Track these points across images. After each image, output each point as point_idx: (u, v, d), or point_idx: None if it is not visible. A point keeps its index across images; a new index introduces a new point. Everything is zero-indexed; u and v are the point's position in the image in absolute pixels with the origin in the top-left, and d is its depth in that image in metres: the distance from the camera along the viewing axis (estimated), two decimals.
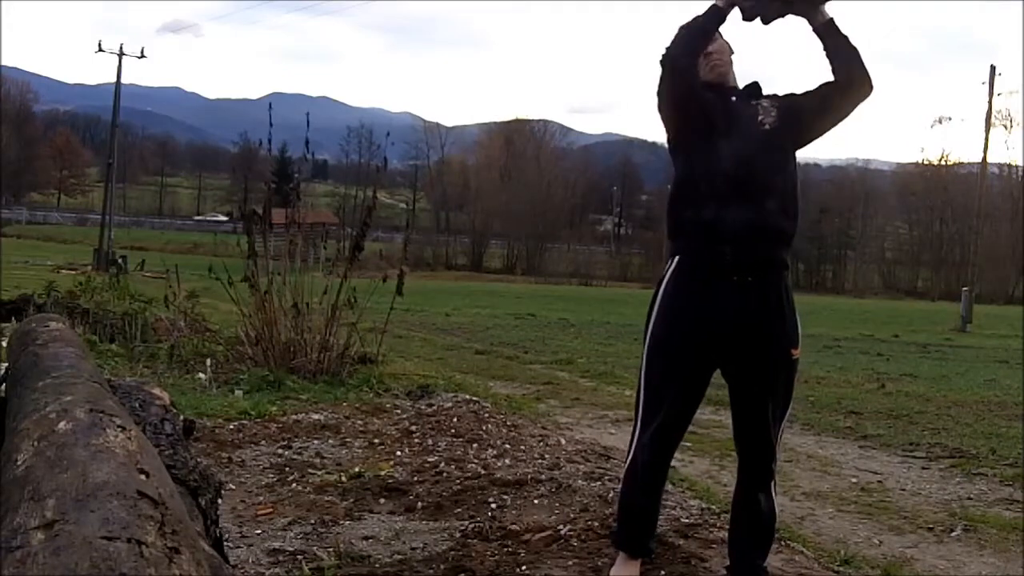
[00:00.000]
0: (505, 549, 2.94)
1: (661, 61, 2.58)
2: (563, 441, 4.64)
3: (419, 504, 3.45)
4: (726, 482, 4.17)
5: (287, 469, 3.92)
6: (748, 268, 2.48)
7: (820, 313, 23.66)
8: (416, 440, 4.50)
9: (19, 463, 1.33)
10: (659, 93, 2.61)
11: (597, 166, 78.57)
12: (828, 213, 61.38)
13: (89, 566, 0.98)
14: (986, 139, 28.42)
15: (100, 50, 35.23)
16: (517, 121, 74.25)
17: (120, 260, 19.86)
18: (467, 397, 5.74)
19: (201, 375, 6.10)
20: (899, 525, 3.80)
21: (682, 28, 2.57)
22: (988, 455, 5.27)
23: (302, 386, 5.90)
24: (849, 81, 2.52)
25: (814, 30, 2.54)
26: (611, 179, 75.39)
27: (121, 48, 35.35)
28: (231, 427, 4.63)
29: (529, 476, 3.73)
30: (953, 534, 3.69)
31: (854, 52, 2.51)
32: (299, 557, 2.83)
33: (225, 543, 2.35)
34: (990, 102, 27.87)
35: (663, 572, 2.75)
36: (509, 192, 64.14)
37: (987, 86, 27.64)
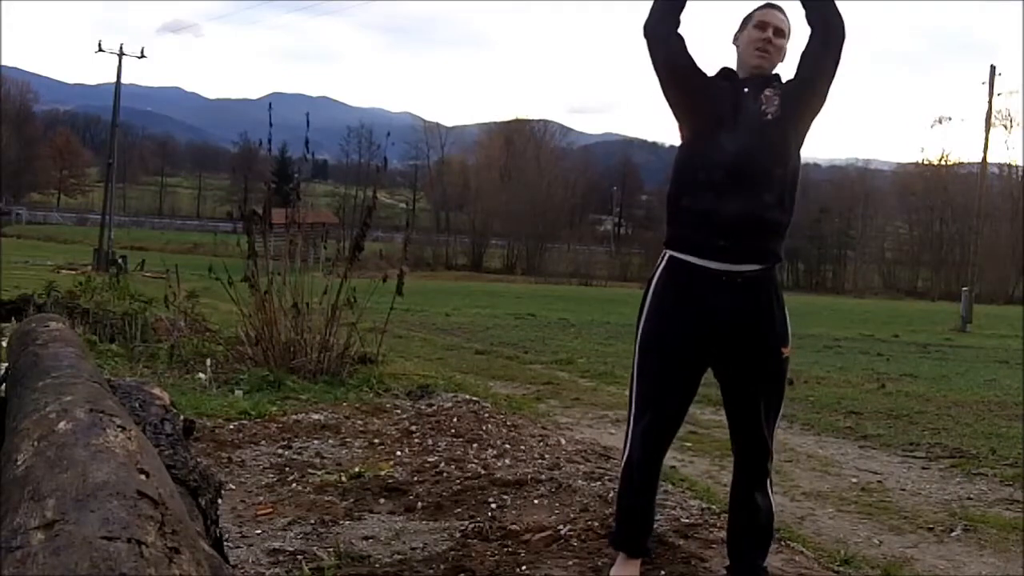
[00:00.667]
0: (505, 549, 2.94)
1: (643, 27, 2.63)
2: (563, 441, 4.64)
3: (419, 504, 3.45)
4: (726, 482, 4.16)
5: (287, 469, 3.92)
6: (740, 260, 2.47)
7: (820, 313, 23.69)
8: (416, 440, 4.50)
9: (19, 463, 1.33)
10: (654, 68, 2.63)
11: (597, 166, 78.55)
12: (828, 213, 61.36)
13: (89, 566, 0.98)
14: (986, 139, 28.45)
15: (100, 50, 35.24)
16: (517, 121, 74.29)
17: (120, 260, 19.84)
18: (467, 397, 5.74)
19: (201, 375, 6.10)
20: (899, 525, 3.80)
21: None
22: (988, 455, 5.27)
23: (302, 386, 5.90)
24: (825, 25, 2.53)
25: None
26: (611, 179, 75.38)
27: (121, 48, 35.37)
28: (231, 427, 4.63)
29: (529, 476, 3.73)
30: (953, 534, 3.69)
31: (834, 3, 2.53)
32: (299, 557, 2.83)
33: (225, 543, 2.35)
34: (990, 102, 27.89)
35: (663, 572, 2.75)
36: (509, 192, 64.12)
37: (987, 86, 27.66)
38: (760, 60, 2.57)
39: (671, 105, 2.64)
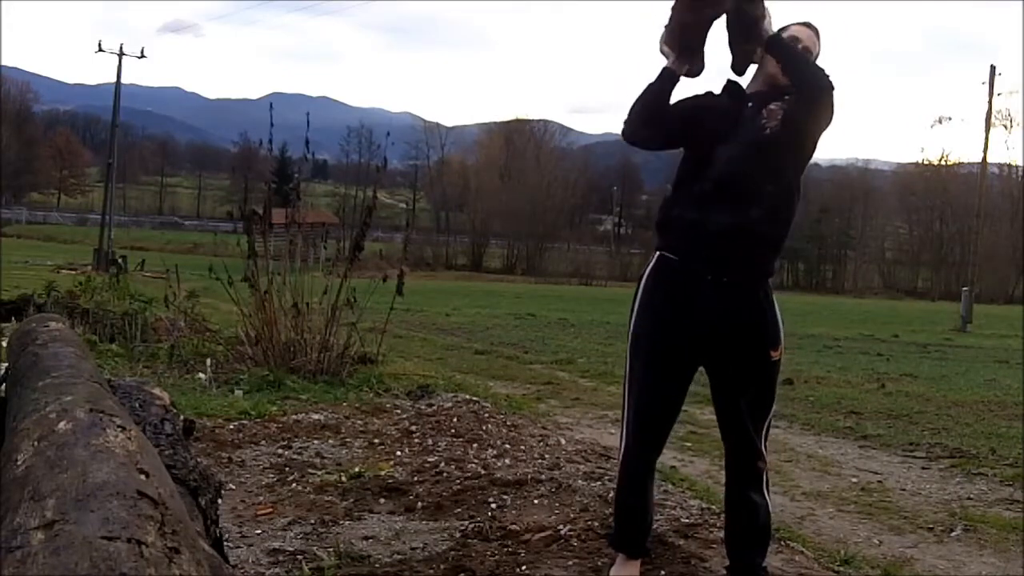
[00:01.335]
0: (505, 549, 2.94)
1: (623, 135, 2.65)
2: (563, 441, 4.64)
3: (419, 504, 3.45)
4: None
5: (287, 469, 3.92)
6: (726, 272, 2.49)
7: (820, 313, 23.70)
8: (416, 440, 4.50)
9: (19, 463, 1.33)
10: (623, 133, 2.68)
11: (597, 166, 78.47)
12: (828, 213, 61.34)
13: (89, 566, 0.98)
14: (986, 139, 28.44)
15: (100, 50, 35.23)
16: (517, 121, 74.18)
17: (120, 260, 19.84)
18: (467, 397, 5.74)
19: (201, 375, 6.10)
20: (899, 525, 3.80)
21: (637, 99, 2.59)
22: (988, 455, 5.27)
23: (302, 386, 5.90)
24: (805, 91, 2.49)
25: (767, 50, 2.54)
26: (611, 179, 75.32)
27: (121, 48, 35.36)
28: (231, 427, 4.63)
29: (529, 476, 3.73)
30: (953, 534, 3.69)
31: (799, 62, 2.50)
32: (299, 557, 2.83)
33: (225, 543, 2.35)
34: (990, 102, 27.88)
35: (663, 572, 2.76)
36: (509, 192, 64.09)
37: (987, 86, 27.66)
38: (778, 70, 2.57)
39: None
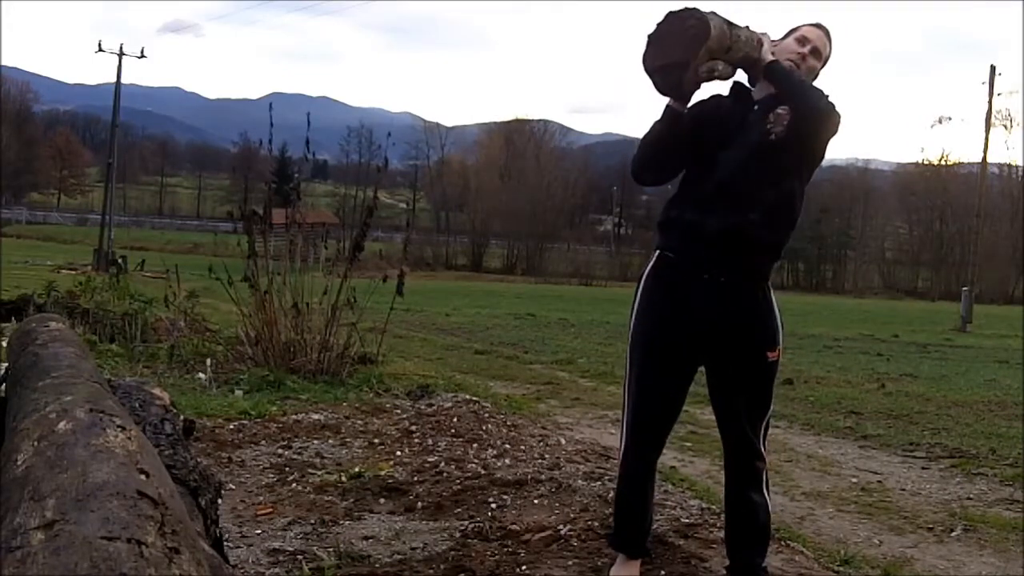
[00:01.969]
0: (505, 549, 2.94)
1: (631, 173, 2.69)
2: (563, 441, 4.64)
3: (419, 504, 3.45)
4: None
5: (287, 469, 3.92)
6: (722, 273, 2.49)
7: (820, 313, 23.70)
8: (416, 440, 4.50)
9: (19, 463, 1.33)
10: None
11: (597, 166, 78.49)
12: (828, 213, 61.28)
13: (89, 566, 0.98)
14: (986, 139, 28.42)
15: (100, 50, 35.23)
16: (517, 121, 74.11)
17: (120, 260, 19.84)
18: (467, 397, 5.74)
19: (201, 375, 6.10)
20: (899, 525, 3.80)
21: (643, 140, 2.59)
22: (988, 455, 5.27)
23: (302, 386, 5.90)
24: (805, 118, 2.48)
25: (764, 77, 2.53)
26: (611, 179, 75.27)
27: (121, 48, 35.35)
28: (231, 427, 4.63)
29: (529, 476, 3.73)
30: (953, 534, 3.69)
31: (798, 90, 2.49)
32: (299, 557, 2.83)
33: (225, 543, 2.35)
34: (990, 102, 27.87)
35: (663, 572, 2.76)
36: (509, 192, 64.07)
37: (987, 86, 27.65)
38: (804, 63, 2.57)
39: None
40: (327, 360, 6.34)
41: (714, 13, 2.42)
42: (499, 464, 4.00)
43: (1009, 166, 58.33)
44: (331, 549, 2.90)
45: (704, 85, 2.54)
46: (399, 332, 11.28)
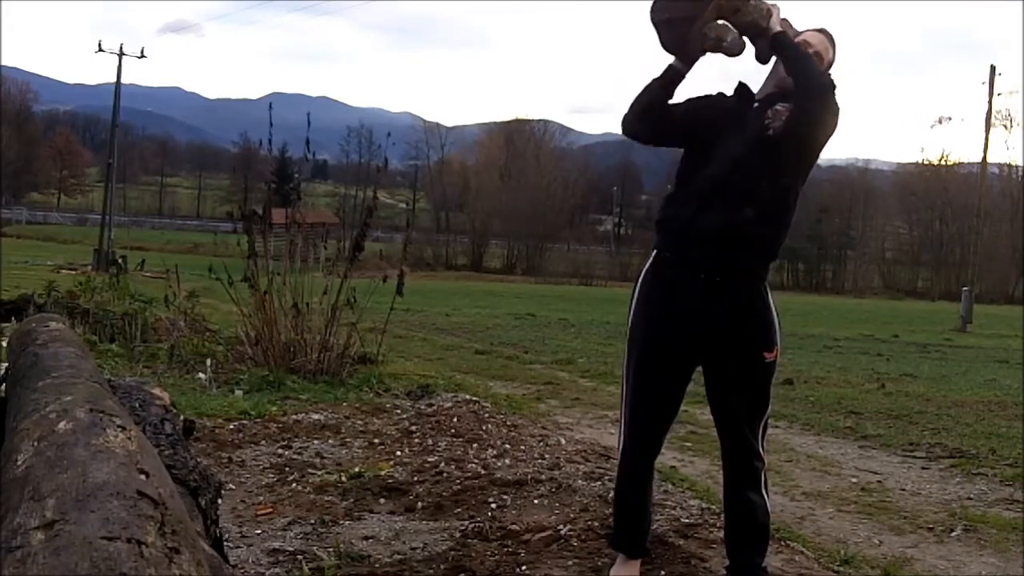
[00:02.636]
0: (505, 549, 2.94)
1: (621, 125, 2.64)
2: (563, 441, 4.64)
3: (419, 504, 3.45)
4: None
5: (287, 469, 3.92)
6: (716, 270, 2.49)
7: (820, 313, 23.71)
8: (416, 440, 4.50)
9: (19, 463, 1.33)
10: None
11: (597, 166, 78.45)
12: (828, 213, 61.32)
13: (89, 566, 0.98)
14: (986, 139, 28.46)
15: (100, 50, 35.23)
16: (517, 121, 74.08)
17: (120, 260, 19.83)
18: (467, 397, 5.74)
19: (201, 375, 6.10)
20: (899, 525, 3.80)
21: (640, 92, 2.59)
22: (988, 455, 5.27)
23: (302, 386, 5.91)
24: (807, 92, 2.47)
25: (771, 47, 2.52)
26: (611, 179, 75.31)
27: (121, 48, 35.35)
28: (231, 427, 4.63)
29: (529, 476, 3.73)
30: (953, 534, 3.69)
31: (801, 59, 2.48)
32: (299, 557, 2.83)
33: (225, 543, 2.35)
34: (990, 102, 27.89)
35: (663, 572, 2.76)
36: (509, 192, 64.05)
37: (987, 86, 27.66)
38: (787, 79, 2.56)
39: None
40: (327, 360, 6.34)
41: None
42: (499, 464, 4.00)
43: (1009, 166, 58.38)
44: (331, 549, 2.90)
45: (712, 89, 2.55)
46: (399, 332, 11.28)
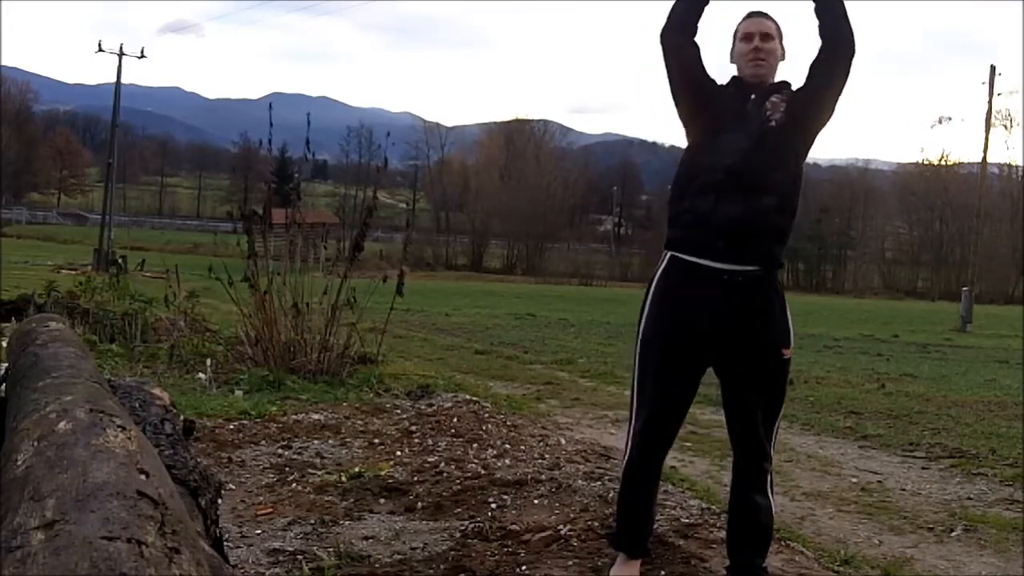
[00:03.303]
0: (505, 549, 2.94)
1: (661, 33, 2.65)
2: (563, 441, 4.64)
3: (419, 504, 3.45)
4: (726, 482, 4.15)
5: (287, 469, 3.92)
6: (739, 262, 2.48)
7: (820, 313, 23.70)
8: (416, 440, 4.50)
9: (19, 463, 1.33)
10: (667, 74, 2.65)
11: (597, 166, 78.50)
12: (828, 213, 61.33)
13: (89, 566, 0.98)
14: (986, 139, 28.44)
15: (100, 50, 35.21)
16: (517, 121, 74.10)
17: (120, 260, 19.83)
18: (467, 397, 5.74)
19: (201, 375, 6.10)
20: (899, 525, 3.80)
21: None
22: (988, 455, 5.27)
23: (302, 386, 5.90)
24: (834, 40, 2.54)
25: None
26: (611, 179, 75.34)
27: (121, 48, 35.33)
28: (231, 427, 4.63)
29: (529, 476, 3.73)
30: (953, 534, 3.69)
31: (841, 9, 2.53)
32: (299, 557, 2.83)
33: (225, 543, 2.35)
34: (990, 102, 27.87)
35: (663, 572, 2.76)
36: (509, 192, 64.06)
37: (987, 86, 27.65)
38: (756, 69, 2.59)
39: (679, 109, 2.67)
40: (327, 360, 6.34)
41: None
42: (499, 464, 4.00)
43: (1009, 166, 58.37)
44: (331, 549, 2.90)
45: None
46: (399, 332, 11.28)
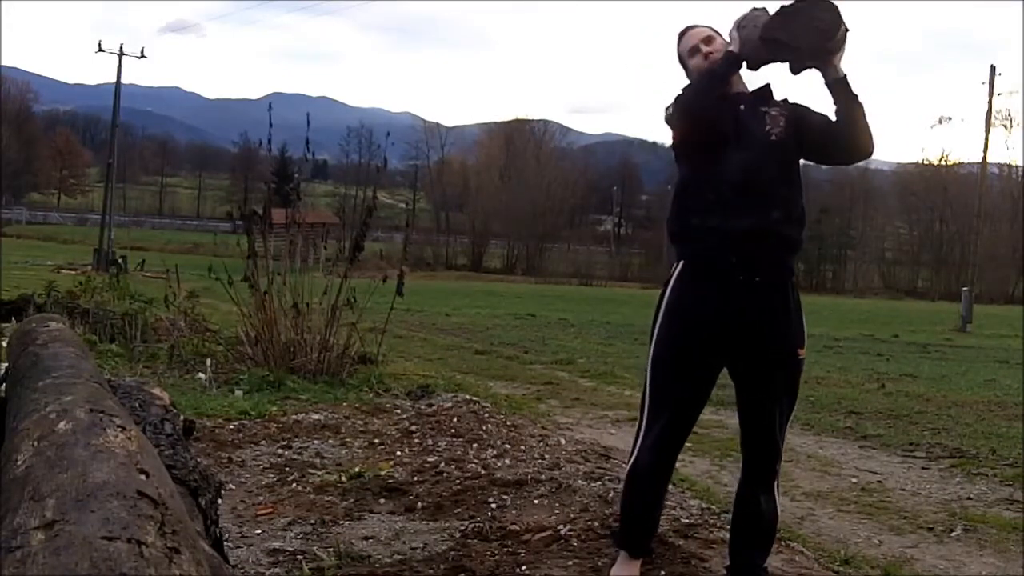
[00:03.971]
0: (505, 549, 2.94)
1: (681, 106, 2.57)
2: (563, 441, 4.64)
3: (419, 504, 3.45)
4: (726, 482, 4.17)
5: (287, 469, 3.92)
6: (755, 271, 2.49)
7: (820, 313, 23.65)
8: (416, 440, 4.50)
9: (19, 463, 1.33)
10: (674, 127, 2.62)
11: (597, 166, 78.47)
12: (828, 213, 61.23)
13: (89, 566, 0.98)
14: (986, 139, 28.44)
15: (100, 50, 35.23)
16: (517, 121, 74.05)
17: (120, 260, 19.84)
18: (467, 397, 5.74)
19: (201, 375, 6.10)
20: (899, 525, 3.80)
21: (702, 77, 2.57)
22: (988, 455, 5.27)
23: (302, 386, 5.90)
24: (850, 144, 2.56)
25: (826, 84, 2.52)
26: (611, 179, 75.30)
27: (121, 48, 35.35)
28: (231, 427, 4.63)
29: (529, 476, 3.73)
30: (953, 534, 3.69)
31: (859, 115, 2.50)
32: (299, 557, 2.83)
33: (225, 543, 2.35)
34: (990, 102, 27.87)
35: (663, 572, 2.76)
36: (509, 192, 64.04)
37: (987, 86, 27.65)
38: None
39: (675, 134, 2.65)
40: (327, 360, 6.34)
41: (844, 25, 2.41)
42: (499, 464, 4.00)
43: (1009, 166, 58.32)
44: (331, 549, 2.90)
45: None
46: (399, 332, 11.28)
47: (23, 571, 0.99)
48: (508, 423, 4.97)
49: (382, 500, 3.51)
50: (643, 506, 2.68)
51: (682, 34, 2.71)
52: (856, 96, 2.50)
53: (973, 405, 7.42)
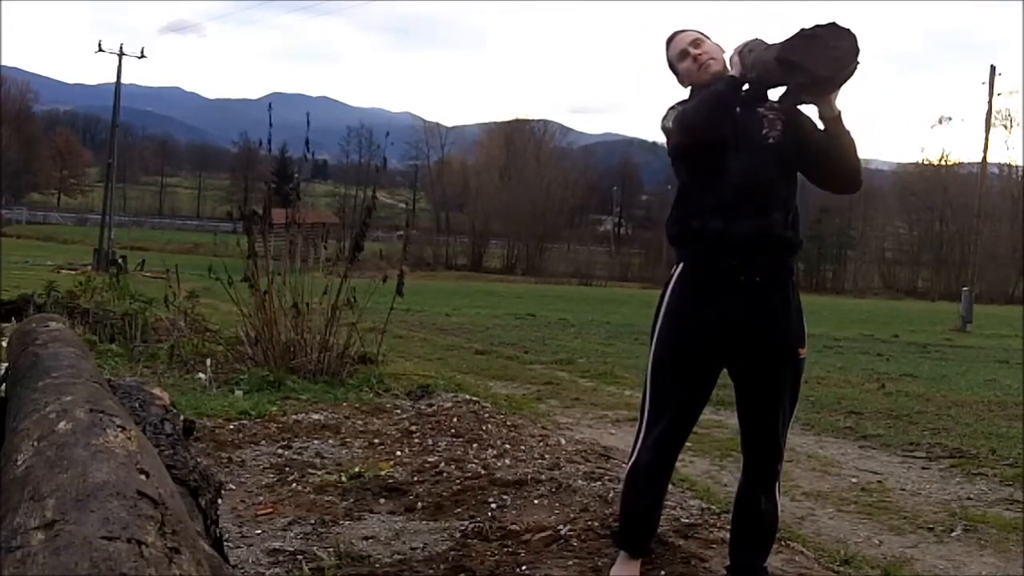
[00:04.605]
0: (505, 549, 2.94)
1: (682, 124, 2.54)
2: (563, 441, 4.64)
3: (419, 504, 3.45)
4: (726, 482, 4.18)
5: (287, 469, 3.92)
6: (755, 272, 2.49)
7: (820, 313, 23.66)
8: (416, 440, 4.50)
9: (19, 463, 1.33)
10: (671, 136, 2.59)
11: (597, 166, 78.50)
12: (828, 213, 61.22)
13: (89, 566, 0.98)
14: (986, 139, 28.43)
15: (100, 50, 35.23)
16: (517, 121, 74.07)
17: (120, 260, 19.84)
18: (467, 397, 5.74)
19: (201, 375, 6.10)
20: (899, 525, 3.80)
21: (703, 100, 2.55)
22: (988, 455, 5.27)
23: (302, 386, 5.90)
24: (837, 180, 2.61)
25: (820, 118, 2.52)
26: (611, 179, 75.30)
27: (121, 48, 35.35)
28: (231, 427, 4.63)
29: (529, 476, 3.73)
30: (953, 534, 3.69)
31: (849, 154, 2.52)
32: (299, 557, 2.83)
33: (225, 543, 2.35)
34: (990, 102, 27.87)
35: (663, 572, 2.76)
36: (509, 192, 64.04)
37: (987, 86, 27.65)
38: (714, 67, 2.60)
39: (671, 139, 2.63)
40: (327, 360, 6.34)
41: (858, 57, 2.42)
42: (499, 464, 4.00)
43: (1009, 166, 58.34)
44: (331, 549, 2.90)
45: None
46: (399, 332, 11.28)
47: (23, 571, 0.99)
48: (508, 423, 4.97)
49: (382, 500, 3.52)
50: (643, 506, 2.68)
51: (670, 40, 2.72)
52: (849, 132, 2.51)
53: (973, 405, 7.42)
